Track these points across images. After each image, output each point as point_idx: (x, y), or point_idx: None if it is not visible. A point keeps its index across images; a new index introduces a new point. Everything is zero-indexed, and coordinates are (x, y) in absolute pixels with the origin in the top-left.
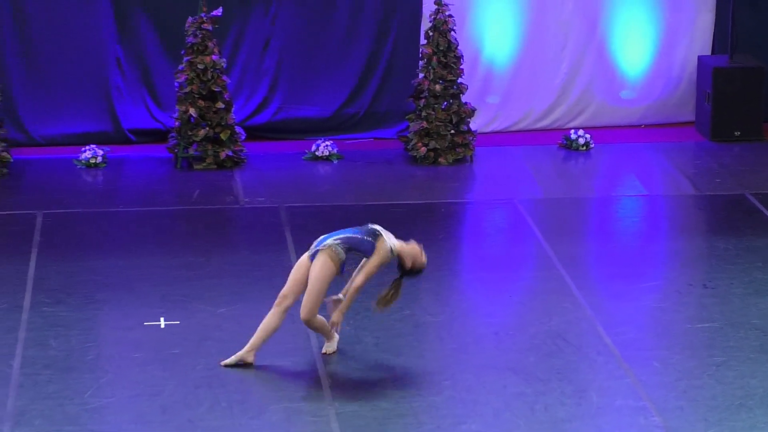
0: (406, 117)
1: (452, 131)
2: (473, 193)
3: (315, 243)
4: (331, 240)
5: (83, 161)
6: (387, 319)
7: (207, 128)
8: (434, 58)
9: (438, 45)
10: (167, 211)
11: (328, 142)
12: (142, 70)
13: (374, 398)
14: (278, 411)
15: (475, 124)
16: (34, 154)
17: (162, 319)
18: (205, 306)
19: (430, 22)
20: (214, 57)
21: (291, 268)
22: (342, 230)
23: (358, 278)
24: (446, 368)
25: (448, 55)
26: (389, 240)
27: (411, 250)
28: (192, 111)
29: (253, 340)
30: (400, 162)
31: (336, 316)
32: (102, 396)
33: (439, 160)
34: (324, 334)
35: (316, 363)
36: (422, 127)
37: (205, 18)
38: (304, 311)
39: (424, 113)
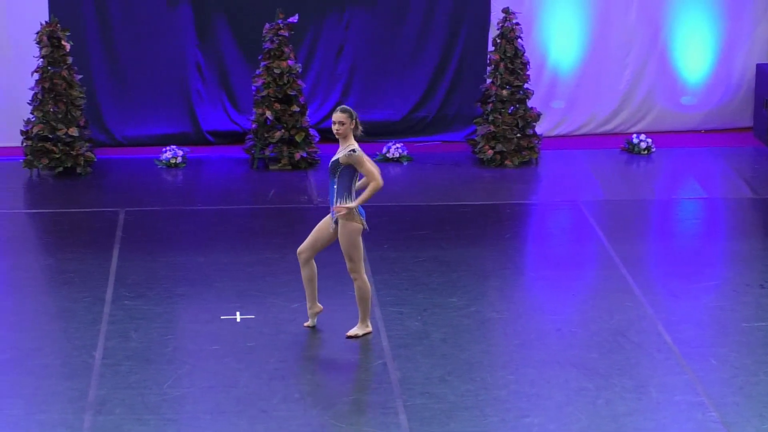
0: (474, 121)
1: (518, 135)
2: (538, 194)
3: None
4: (335, 202)
5: (164, 161)
6: (454, 316)
7: (282, 130)
8: (501, 64)
9: (505, 51)
10: (243, 209)
11: (398, 145)
12: (221, 74)
13: (441, 391)
14: (348, 403)
15: (540, 128)
16: (117, 154)
17: (238, 313)
18: (280, 301)
19: (498, 29)
20: (290, 62)
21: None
22: (330, 187)
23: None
24: (510, 363)
25: (515, 61)
26: (341, 152)
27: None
28: (268, 114)
29: (308, 295)
30: (467, 164)
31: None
32: (180, 386)
33: (506, 162)
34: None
35: (386, 357)
36: (489, 130)
37: (281, 24)
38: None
39: (491, 117)
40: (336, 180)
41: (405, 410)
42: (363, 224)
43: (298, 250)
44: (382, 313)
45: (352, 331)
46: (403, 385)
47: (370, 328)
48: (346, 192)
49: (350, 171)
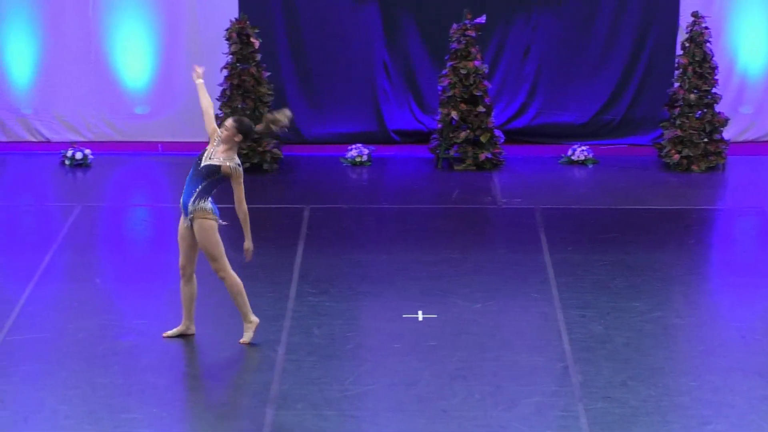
0: (661, 125)
1: (705, 140)
2: (724, 200)
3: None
4: (191, 202)
5: (349, 159)
6: (637, 320)
7: (468, 131)
8: (690, 68)
9: (694, 55)
10: (427, 209)
11: (584, 147)
12: (407, 73)
13: (622, 396)
14: (529, 405)
15: (728, 133)
16: (303, 151)
17: (420, 312)
18: (462, 301)
19: (687, 33)
20: (476, 63)
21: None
22: (190, 185)
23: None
24: (693, 369)
25: (703, 65)
26: (226, 161)
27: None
28: (454, 114)
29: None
30: (653, 168)
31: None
32: (361, 383)
33: (692, 167)
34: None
35: (567, 360)
36: (676, 134)
37: (469, 25)
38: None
39: (678, 121)
40: (205, 182)
41: (586, 414)
42: (217, 220)
43: (180, 265)
44: (564, 316)
45: (244, 338)
46: (585, 389)
47: (256, 320)
48: (207, 195)
49: (222, 180)
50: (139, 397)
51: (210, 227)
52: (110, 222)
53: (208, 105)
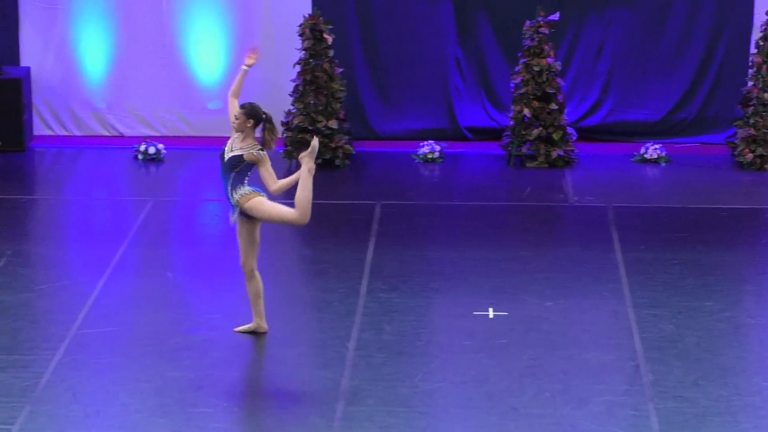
0: (734, 123)
1: None
2: None
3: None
4: (231, 195)
5: (421, 156)
6: (708, 320)
7: (540, 128)
8: (764, 66)
9: None
10: (499, 206)
11: (656, 146)
12: (480, 70)
13: (693, 396)
14: (600, 404)
15: None
16: (374, 147)
17: (491, 309)
18: (533, 298)
19: (761, 31)
20: (549, 60)
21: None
22: (225, 180)
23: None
24: (765, 369)
25: None
26: (247, 149)
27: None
28: (526, 111)
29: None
30: (726, 167)
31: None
32: (431, 380)
33: (765, 166)
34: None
35: (638, 359)
36: (750, 134)
37: (542, 22)
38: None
39: (752, 120)
40: (234, 173)
41: (656, 413)
42: (261, 194)
43: (241, 263)
44: (635, 314)
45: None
46: (655, 388)
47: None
48: (242, 182)
49: (249, 167)
50: (210, 392)
51: (259, 201)
52: (182, 216)
53: (238, 94)
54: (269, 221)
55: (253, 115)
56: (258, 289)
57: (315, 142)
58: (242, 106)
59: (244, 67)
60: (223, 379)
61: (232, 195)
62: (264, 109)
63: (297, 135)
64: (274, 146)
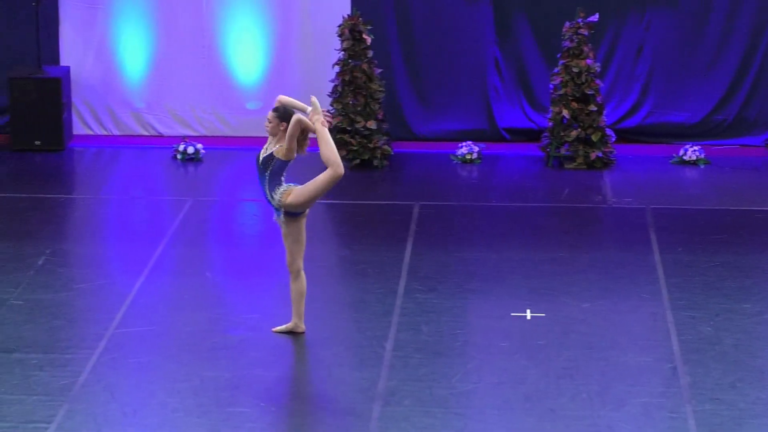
0: None
1: None
2: None
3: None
4: (270, 196)
5: (459, 156)
6: (747, 322)
7: (579, 129)
8: None
9: None
10: (537, 207)
11: (695, 147)
12: (519, 71)
13: (731, 398)
14: (637, 405)
15: None
16: (412, 148)
17: (528, 310)
18: (571, 300)
19: None
20: (588, 61)
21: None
22: (262, 183)
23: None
24: None
25: None
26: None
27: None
28: (565, 112)
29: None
30: (765, 169)
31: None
32: (468, 381)
33: None
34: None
35: (676, 361)
36: None
37: (581, 23)
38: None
39: None
40: (268, 173)
41: (694, 416)
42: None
43: (287, 263)
44: (673, 316)
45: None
46: (693, 390)
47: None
48: (278, 181)
49: (283, 164)
50: (248, 391)
51: (297, 190)
52: (221, 216)
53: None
54: (317, 196)
55: (286, 117)
56: (302, 290)
57: (314, 99)
58: (275, 109)
59: (315, 119)
60: (261, 379)
61: (272, 197)
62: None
63: (335, 135)
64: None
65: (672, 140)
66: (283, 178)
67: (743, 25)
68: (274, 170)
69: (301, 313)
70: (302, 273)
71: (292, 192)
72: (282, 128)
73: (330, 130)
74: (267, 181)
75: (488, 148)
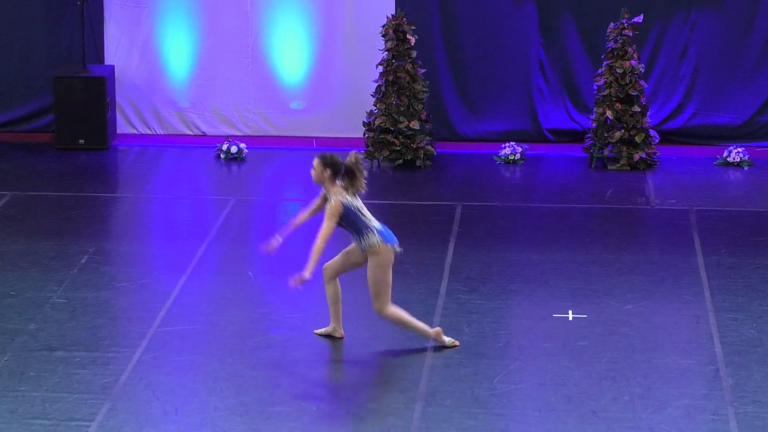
0: None
1: None
2: None
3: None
4: (360, 243)
5: (502, 157)
6: None
7: (622, 130)
8: None
9: None
10: (580, 208)
11: (739, 149)
12: (563, 72)
13: None
14: (679, 408)
15: None
16: (455, 148)
17: (570, 312)
18: (613, 301)
19: None
20: (632, 62)
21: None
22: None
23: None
24: None
25: None
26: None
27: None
28: (609, 113)
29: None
30: None
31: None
32: (510, 382)
33: None
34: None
35: (718, 363)
36: None
37: (626, 24)
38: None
39: None
40: (343, 226)
41: (736, 418)
42: (394, 249)
43: (323, 266)
44: (716, 319)
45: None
46: (735, 393)
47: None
48: (359, 231)
49: (351, 214)
50: (289, 391)
51: (386, 262)
52: (264, 216)
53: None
54: (370, 283)
55: (329, 164)
56: (337, 293)
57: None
58: (317, 156)
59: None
60: (302, 378)
61: (360, 244)
62: (349, 153)
63: (378, 135)
64: (362, 188)
65: (716, 142)
66: (367, 221)
67: None
68: (347, 223)
69: (339, 318)
70: (337, 279)
71: (381, 261)
72: (327, 175)
73: (372, 130)
74: (351, 233)
75: (531, 148)
